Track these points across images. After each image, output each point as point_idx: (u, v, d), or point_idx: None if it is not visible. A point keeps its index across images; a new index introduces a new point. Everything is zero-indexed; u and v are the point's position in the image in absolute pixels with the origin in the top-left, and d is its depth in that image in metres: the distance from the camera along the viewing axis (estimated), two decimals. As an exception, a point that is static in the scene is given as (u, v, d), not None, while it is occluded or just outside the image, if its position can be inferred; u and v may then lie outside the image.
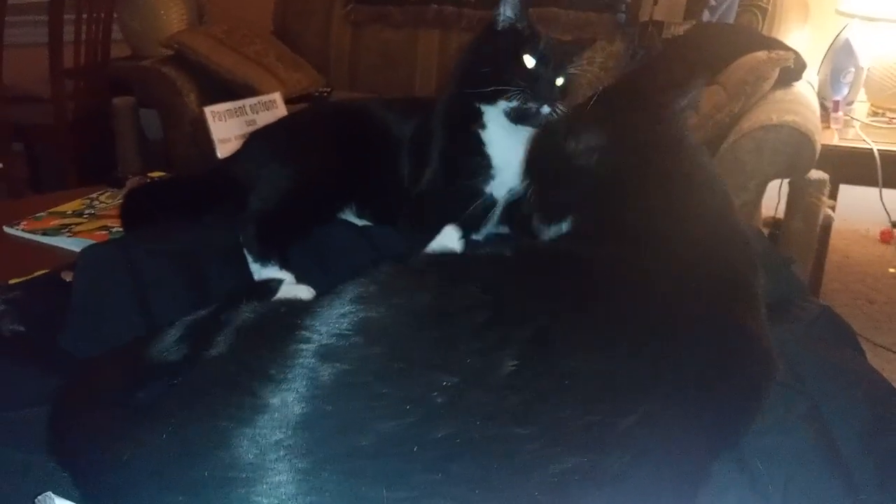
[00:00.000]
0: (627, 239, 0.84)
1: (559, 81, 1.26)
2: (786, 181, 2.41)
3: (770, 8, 2.92)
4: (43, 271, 1.21)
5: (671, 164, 0.93)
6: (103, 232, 1.40)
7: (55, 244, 1.39)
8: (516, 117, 1.24)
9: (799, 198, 2.33)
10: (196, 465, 0.60)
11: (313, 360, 0.62)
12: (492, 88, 1.22)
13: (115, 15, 3.40)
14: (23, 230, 1.44)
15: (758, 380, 0.77)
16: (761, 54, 2.60)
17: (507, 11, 1.28)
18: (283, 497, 0.57)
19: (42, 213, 1.51)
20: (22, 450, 0.76)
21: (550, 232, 0.97)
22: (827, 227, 2.51)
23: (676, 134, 0.99)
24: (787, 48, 2.66)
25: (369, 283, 0.69)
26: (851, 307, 2.68)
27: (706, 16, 2.92)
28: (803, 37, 2.90)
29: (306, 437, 0.58)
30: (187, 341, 0.85)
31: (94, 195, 1.63)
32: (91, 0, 3.18)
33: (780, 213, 2.53)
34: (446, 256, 0.85)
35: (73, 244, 1.36)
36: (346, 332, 0.63)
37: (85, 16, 3.18)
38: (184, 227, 1.26)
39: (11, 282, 1.15)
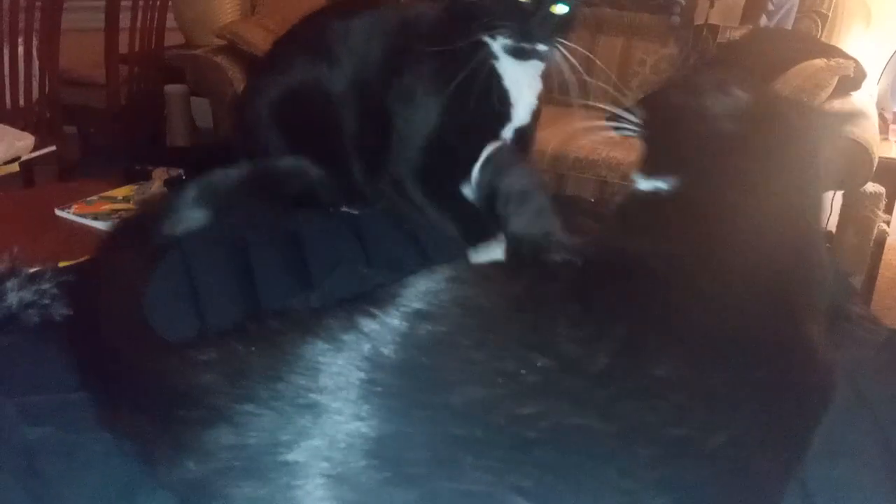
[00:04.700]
0: (718, 223, 0.81)
1: (560, 9, 1.17)
2: (839, 192, 2.35)
3: (830, 14, 2.86)
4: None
5: (786, 154, 0.88)
6: (153, 218, 1.42)
7: (105, 229, 1.41)
8: (514, 53, 1.19)
9: (853, 210, 2.28)
10: (282, 379, 0.60)
11: (412, 317, 0.63)
12: (485, 23, 1.16)
13: (169, 3, 3.44)
14: (74, 213, 1.46)
15: (821, 406, 0.74)
16: (820, 62, 2.55)
17: None
18: (362, 433, 0.57)
19: (93, 198, 1.53)
20: (71, 431, 0.77)
21: (645, 185, 0.92)
22: (881, 241, 2.45)
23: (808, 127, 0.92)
24: (847, 56, 2.60)
25: (463, 269, 0.71)
26: (904, 325, 2.60)
27: (764, 20, 2.87)
28: (864, 44, 2.83)
29: (401, 382, 0.59)
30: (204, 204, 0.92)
31: (146, 183, 1.64)
32: (147, -12, 3.23)
33: (832, 226, 2.47)
34: (526, 259, 0.86)
35: (123, 229, 1.38)
36: (444, 303, 0.65)
37: (141, 3, 3.23)
38: (232, 212, 1.27)
39: (61, 264, 1.16)
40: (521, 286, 0.71)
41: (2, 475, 0.70)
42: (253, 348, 0.65)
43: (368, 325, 0.62)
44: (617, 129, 1.01)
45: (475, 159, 1.17)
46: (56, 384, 0.85)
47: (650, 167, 0.92)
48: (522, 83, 1.23)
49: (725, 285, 0.74)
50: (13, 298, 0.96)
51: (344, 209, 1.34)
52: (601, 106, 1.06)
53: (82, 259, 1.20)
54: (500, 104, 1.22)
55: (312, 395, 0.59)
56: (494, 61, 1.20)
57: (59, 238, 1.39)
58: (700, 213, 0.83)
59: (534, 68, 1.24)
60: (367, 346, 0.61)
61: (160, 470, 0.66)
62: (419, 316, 0.63)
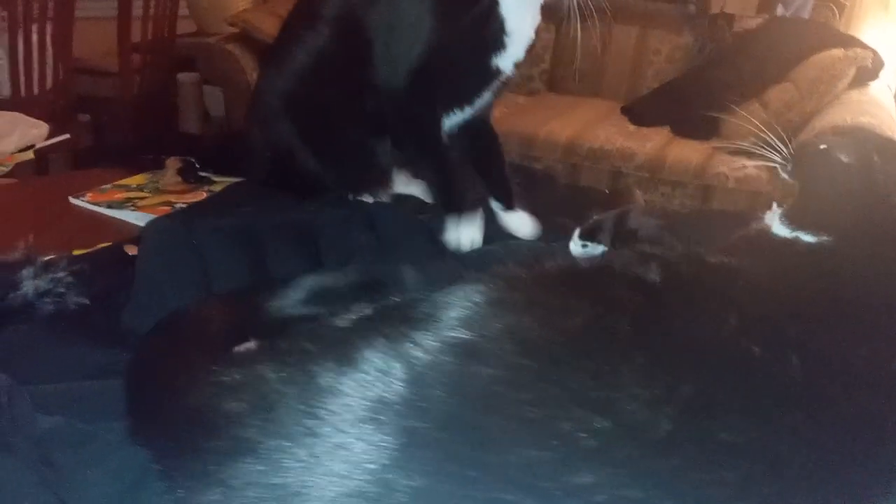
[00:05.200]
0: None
1: None
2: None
3: (848, 3, 2.83)
4: (106, 244, 1.23)
5: None
6: (166, 207, 1.41)
7: (119, 217, 1.41)
8: None
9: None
10: (314, 416, 0.57)
11: (459, 351, 0.58)
12: None
13: (182, -9, 3.44)
14: (88, 202, 1.46)
15: None
16: (837, 52, 2.52)
17: None
18: (400, 487, 0.53)
19: (107, 186, 1.53)
20: (83, 420, 0.77)
21: (784, 232, 0.86)
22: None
23: None
24: (865, 46, 2.57)
25: (506, 289, 0.64)
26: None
27: (780, 10, 2.85)
28: (882, 34, 2.80)
29: (446, 434, 0.55)
30: (312, 303, 0.83)
31: (159, 171, 1.64)
32: (160, -24, 3.22)
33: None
34: (583, 270, 0.77)
35: (136, 218, 1.37)
36: (493, 336, 0.59)
37: (154, -9, 3.23)
38: (248, 199, 1.27)
39: (75, 252, 1.16)
40: (581, 319, 0.63)
41: (15, 464, 0.70)
42: (283, 374, 0.60)
43: (412, 357, 0.58)
44: (762, 158, 0.96)
45: (463, 88, 1.17)
46: (69, 373, 0.85)
47: (799, 219, 0.84)
48: (525, 13, 1.18)
49: (831, 348, 0.66)
50: (29, 286, 0.96)
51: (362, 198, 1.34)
52: (754, 126, 1.01)
53: (95, 248, 1.21)
54: (495, 34, 1.17)
55: (345, 436, 0.55)
56: None
57: (74, 226, 1.39)
58: (844, 275, 0.75)
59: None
60: (409, 386, 0.56)
61: (179, 495, 0.63)
62: (467, 351, 0.58)
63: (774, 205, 0.91)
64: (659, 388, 0.58)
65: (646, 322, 0.64)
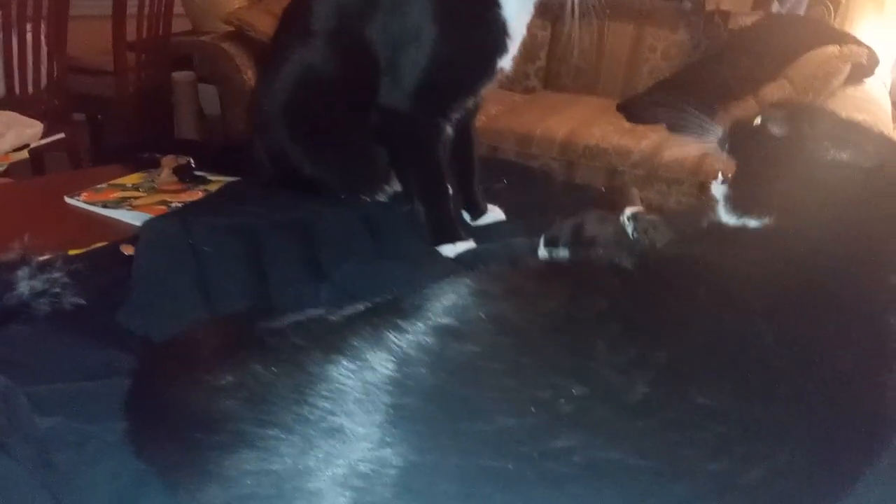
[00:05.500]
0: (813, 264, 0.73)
1: None
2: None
3: (843, 0, 2.83)
4: (102, 244, 1.22)
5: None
6: (162, 206, 1.41)
7: (115, 217, 1.40)
8: None
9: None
10: (306, 402, 0.59)
11: (442, 333, 0.61)
12: None
13: (177, -11, 3.43)
14: (83, 201, 1.46)
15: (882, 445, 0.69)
16: (832, 49, 2.53)
17: None
18: (389, 461, 0.55)
19: (102, 185, 1.52)
20: (80, 421, 0.77)
21: (731, 221, 0.87)
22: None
23: None
24: (860, 43, 2.58)
25: (490, 281, 0.67)
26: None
27: (775, 7, 2.85)
28: (877, 31, 2.80)
29: (430, 407, 0.57)
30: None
31: (155, 170, 1.64)
32: (155, -26, 3.22)
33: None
34: (563, 263, 0.82)
35: (132, 217, 1.37)
36: (474, 320, 0.62)
37: (149, -11, 3.23)
38: (244, 198, 1.28)
39: (71, 252, 1.16)
40: (556, 301, 0.66)
41: (14, 465, 0.70)
42: (274, 369, 0.63)
43: (397, 341, 0.60)
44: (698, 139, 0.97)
45: (464, 93, 1.19)
46: (67, 373, 0.85)
47: (741, 205, 0.86)
48: (523, 13, 1.19)
49: (797, 315, 0.68)
50: (24, 287, 0.96)
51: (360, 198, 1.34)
52: (686, 109, 1.01)
53: (91, 247, 1.20)
54: (499, 36, 1.17)
55: (337, 419, 0.57)
56: None
57: (69, 226, 1.39)
58: (792, 251, 0.76)
59: None
60: (394, 367, 0.59)
61: (181, 494, 0.65)
62: (449, 333, 0.61)
63: (720, 175, 0.92)
64: (634, 354, 0.61)
65: (621, 300, 0.67)
